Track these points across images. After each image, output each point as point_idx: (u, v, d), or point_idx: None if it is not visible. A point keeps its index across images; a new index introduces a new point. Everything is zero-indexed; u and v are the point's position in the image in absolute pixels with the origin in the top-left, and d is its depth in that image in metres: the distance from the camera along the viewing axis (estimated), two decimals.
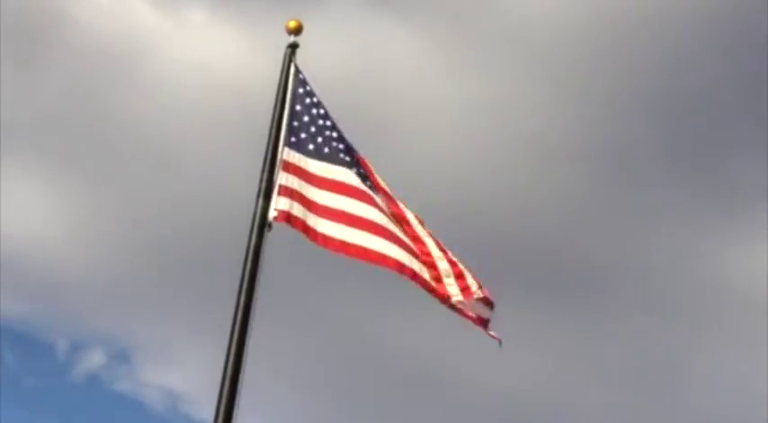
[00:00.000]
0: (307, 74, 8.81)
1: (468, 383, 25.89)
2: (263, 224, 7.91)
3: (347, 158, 8.59)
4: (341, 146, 8.64)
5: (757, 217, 25.95)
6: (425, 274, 8.35)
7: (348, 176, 8.51)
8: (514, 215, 23.72)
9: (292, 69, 8.69)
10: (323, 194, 8.33)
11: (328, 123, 8.70)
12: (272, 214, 7.98)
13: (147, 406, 29.13)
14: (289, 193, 8.15)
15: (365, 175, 8.63)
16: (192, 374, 27.81)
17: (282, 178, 8.20)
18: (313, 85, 8.81)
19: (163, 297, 27.74)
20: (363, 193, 8.47)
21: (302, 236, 8.15)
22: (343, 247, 8.15)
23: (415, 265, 8.29)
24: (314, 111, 8.67)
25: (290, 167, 8.29)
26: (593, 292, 27.19)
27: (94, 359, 29.19)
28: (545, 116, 25.87)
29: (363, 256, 8.18)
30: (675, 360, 27.30)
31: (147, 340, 29.07)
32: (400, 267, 8.19)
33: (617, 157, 27.69)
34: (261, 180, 8.13)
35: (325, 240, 8.14)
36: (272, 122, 8.42)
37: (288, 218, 8.05)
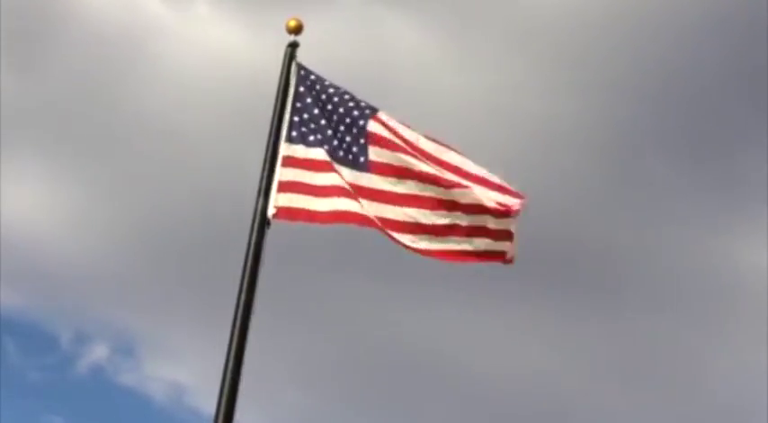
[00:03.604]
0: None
1: (477, 378, 25.93)
2: (263, 222, 7.95)
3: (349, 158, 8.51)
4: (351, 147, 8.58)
5: None
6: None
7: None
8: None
9: (293, 68, 8.68)
10: (323, 176, 8.26)
11: (337, 121, 8.59)
12: (270, 212, 8.00)
13: (152, 399, 29.20)
14: (288, 187, 8.15)
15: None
16: (197, 367, 27.84)
17: (282, 174, 8.20)
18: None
19: (168, 289, 27.79)
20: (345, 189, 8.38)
21: (303, 228, 8.18)
22: (337, 216, 8.13)
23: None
24: (319, 106, 8.62)
25: (290, 161, 8.28)
26: (602, 286, 27.14)
27: (98, 352, 29.25)
28: (549, 109, 25.85)
29: (354, 220, 8.13)
30: (686, 356, 27.27)
31: (151, 333, 29.11)
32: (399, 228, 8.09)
33: (628, 150, 27.64)
34: (261, 178, 8.17)
35: (319, 216, 8.10)
36: (272, 121, 8.45)
37: (288, 213, 8.06)
